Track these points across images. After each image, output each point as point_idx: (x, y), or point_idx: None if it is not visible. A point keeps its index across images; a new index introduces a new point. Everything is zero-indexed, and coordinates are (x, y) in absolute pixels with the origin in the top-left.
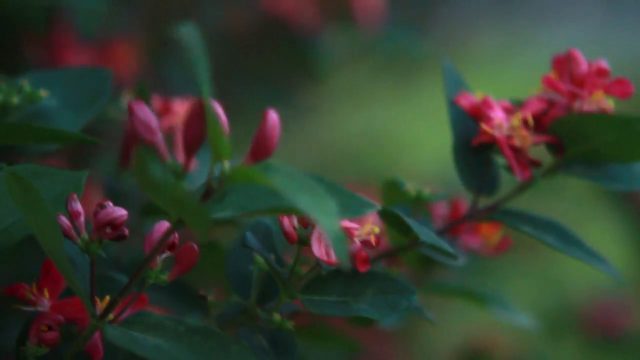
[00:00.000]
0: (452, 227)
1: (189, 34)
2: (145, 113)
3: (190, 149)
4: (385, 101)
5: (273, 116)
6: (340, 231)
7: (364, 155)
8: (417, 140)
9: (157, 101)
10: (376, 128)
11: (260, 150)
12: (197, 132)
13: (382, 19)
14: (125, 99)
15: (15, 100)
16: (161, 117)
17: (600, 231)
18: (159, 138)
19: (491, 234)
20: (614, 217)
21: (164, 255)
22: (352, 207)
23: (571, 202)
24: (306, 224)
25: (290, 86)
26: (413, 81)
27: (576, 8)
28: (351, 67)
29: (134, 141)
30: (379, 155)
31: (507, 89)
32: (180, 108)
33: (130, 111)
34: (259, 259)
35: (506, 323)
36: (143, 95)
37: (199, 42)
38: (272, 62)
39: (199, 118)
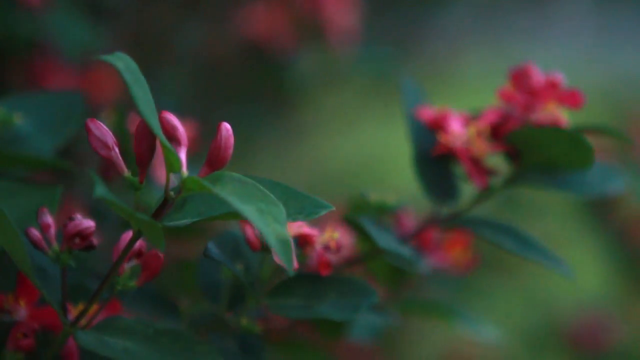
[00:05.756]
0: (417, 234)
1: (121, 59)
2: (101, 130)
3: (142, 162)
4: (372, 122)
5: (226, 128)
6: (284, 238)
7: (352, 176)
8: (404, 160)
9: (135, 121)
10: (364, 149)
11: (215, 161)
12: (145, 148)
13: (355, 39)
14: (104, 119)
15: None
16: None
17: (582, 251)
18: (115, 154)
19: (459, 251)
20: (595, 237)
21: (132, 264)
22: (307, 209)
23: (553, 224)
24: None
25: (276, 108)
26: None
27: (565, 27)
28: (338, 89)
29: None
30: (367, 176)
31: None
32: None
33: (87, 129)
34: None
35: (472, 337)
36: (121, 115)
37: (132, 66)
38: (252, 84)
39: (146, 135)
